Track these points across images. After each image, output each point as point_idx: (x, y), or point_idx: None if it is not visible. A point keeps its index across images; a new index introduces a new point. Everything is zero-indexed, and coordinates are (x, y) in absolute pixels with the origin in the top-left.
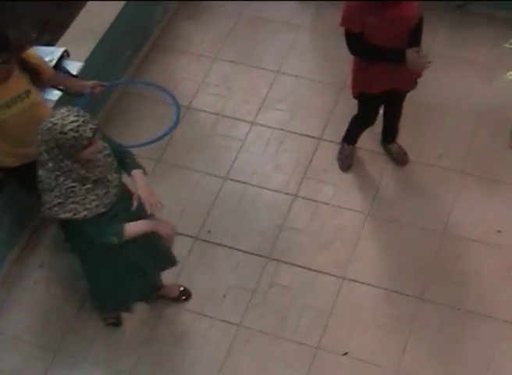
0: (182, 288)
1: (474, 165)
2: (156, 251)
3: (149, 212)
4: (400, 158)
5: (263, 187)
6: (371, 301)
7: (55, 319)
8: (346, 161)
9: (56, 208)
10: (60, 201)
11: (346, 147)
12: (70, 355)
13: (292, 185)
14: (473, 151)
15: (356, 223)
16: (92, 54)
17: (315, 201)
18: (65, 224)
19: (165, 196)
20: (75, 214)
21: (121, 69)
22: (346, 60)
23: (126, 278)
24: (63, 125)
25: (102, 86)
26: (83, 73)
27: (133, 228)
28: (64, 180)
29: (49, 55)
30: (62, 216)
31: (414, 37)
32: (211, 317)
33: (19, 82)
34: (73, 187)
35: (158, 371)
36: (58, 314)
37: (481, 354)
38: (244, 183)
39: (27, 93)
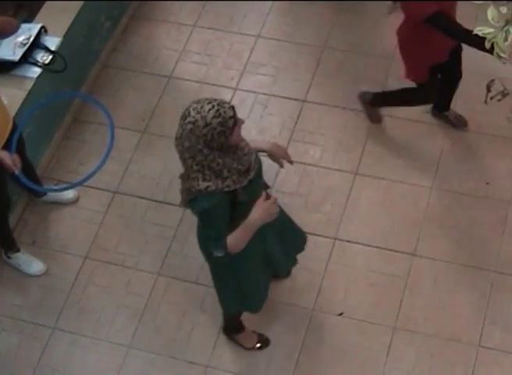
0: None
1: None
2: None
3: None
4: (460, 122)
5: None
6: (365, 261)
7: (50, 296)
8: None
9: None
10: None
11: None
12: (68, 332)
13: None
14: (458, 105)
15: (345, 183)
16: (70, 28)
17: (303, 163)
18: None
19: (152, 167)
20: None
21: (101, 42)
22: (325, 20)
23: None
24: (203, 117)
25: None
26: (63, 49)
27: (234, 239)
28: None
29: (26, 31)
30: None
31: None
32: (206, 285)
33: None
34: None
35: (157, 339)
36: (53, 291)
37: (476, 306)
38: None
39: None
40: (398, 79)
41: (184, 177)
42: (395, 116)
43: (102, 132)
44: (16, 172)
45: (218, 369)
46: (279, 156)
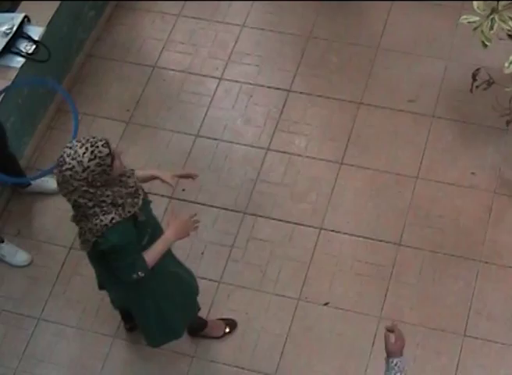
0: (227, 329)
1: (445, 108)
2: None
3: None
4: None
5: (235, 143)
6: (350, 250)
7: (35, 287)
8: None
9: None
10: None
11: None
12: (54, 322)
13: (264, 138)
14: (443, 95)
15: (330, 173)
16: (53, 18)
17: (288, 153)
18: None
19: (137, 158)
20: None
21: (85, 31)
22: (310, 10)
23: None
24: (80, 162)
25: None
26: (46, 39)
27: (154, 254)
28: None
29: (9, 21)
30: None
31: None
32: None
33: None
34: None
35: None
36: (39, 281)
37: (462, 295)
38: (216, 139)
39: None
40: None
41: (79, 218)
42: (380, 106)
43: (87, 122)
44: None
45: (204, 360)
46: (166, 178)
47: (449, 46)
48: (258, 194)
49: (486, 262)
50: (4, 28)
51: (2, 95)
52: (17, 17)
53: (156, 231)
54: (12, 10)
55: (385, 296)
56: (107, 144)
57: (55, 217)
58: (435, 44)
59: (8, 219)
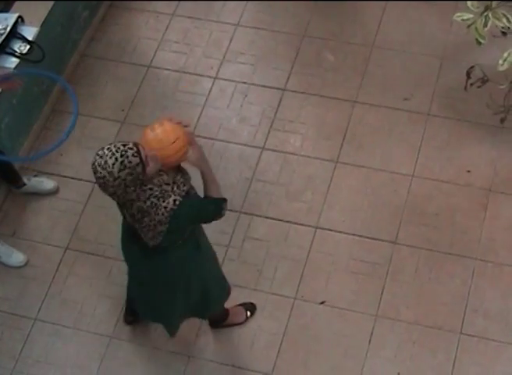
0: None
1: (441, 106)
2: None
3: None
4: None
5: (230, 142)
6: (346, 249)
7: (31, 287)
8: None
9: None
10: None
11: None
12: (50, 322)
13: (259, 138)
14: (438, 93)
15: (326, 172)
16: (47, 18)
17: (283, 152)
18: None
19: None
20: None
21: (79, 31)
22: (304, 9)
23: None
24: (110, 173)
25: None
26: (40, 39)
27: (216, 186)
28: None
29: (3, 21)
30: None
31: None
32: None
33: None
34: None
35: (140, 330)
36: (35, 282)
37: (458, 293)
38: (211, 138)
39: None
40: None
41: (140, 216)
42: (375, 105)
43: (82, 122)
44: None
45: (201, 359)
46: None
47: (443, 44)
48: (254, 193)
49: (482, 260)
50: None
51: None
52: (11, 17)
53: None
54: (5, 10)
55: (382, 294)
56: (137, 154)
57: (51, 218)
58: (430, 43)
59: (3, 219)
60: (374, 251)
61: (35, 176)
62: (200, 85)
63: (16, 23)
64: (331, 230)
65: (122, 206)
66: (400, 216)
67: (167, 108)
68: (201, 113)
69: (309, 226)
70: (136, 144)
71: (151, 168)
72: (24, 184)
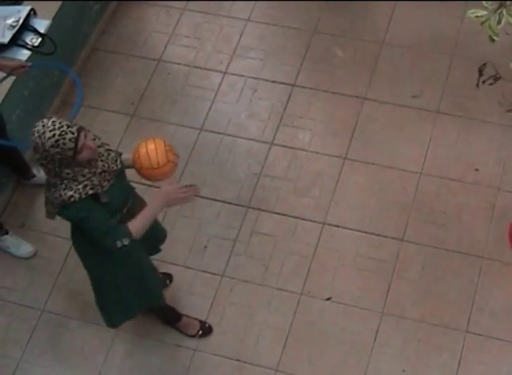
0: (200, 331)
1: (450, 104)
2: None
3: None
4: None
5: (239, 137)
6: (353, 245)
7: (39, 278)
8: None
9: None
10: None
11: None
12: (57, 313)
13: (268, 133)
14: (448, 91)
15: (334, 168)
16: (59, 11)
17: (292, 147)
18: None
19: None
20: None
21: (90, 25)
22: (315, 5)
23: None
24: (43, 143)
25: (24, 67)
26: (52, 32)
27: (140, 220)
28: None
29: (15, 14)
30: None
31: None
32: (193, 269)
33: None
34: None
35: (145, 323)
36: (43, 273)
37: (464, 292)
38: (220, 133)
39: None
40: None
41: (46, 186)
42: (384, 102)
43: (91, 115)
44: None
45: (206, 353)
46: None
47: (453, 42)
48: (262, 189)
49: (489, 259)
50: (10, 21)
51: (9, 87)
52: (23, 10)
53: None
54: (18, 3)
55: (388, 291)
56: (75, 140)
57: None
58: (440, 40)
59: (12, 211)
60: (381, 248)
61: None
62: (209, 80)
63: (28, 16)
64: (338, 227)
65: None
66: (408, 213)
67: (176, 102)
68: (210, 108)
69: (316, 222)
70: (79, 130)
71: (83, 156)
72: (34, 176)
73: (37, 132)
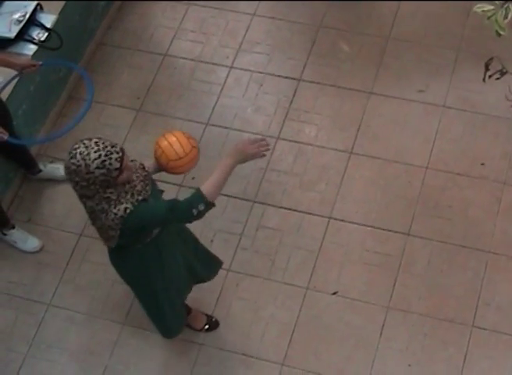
0: (207, 326)
1: (456, 98)
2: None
3: None
4: None
5: (245, 131)
6: (359, 240)
7: (45, 273)
8: None
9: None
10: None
11: None
12: (63, 308)
13: (274, 127)
14: (454, 85)
15: (340, 163)
16: (66, 6)
17: (298, 142)
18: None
19: (148, 146)
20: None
21: (96, 19)
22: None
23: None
24: (87, 165)
25: (34, 66)
26: (58, 26)
27: (213, 180)
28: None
29: (22, 8)
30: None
31: None
32: None
33: None
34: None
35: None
36: (49, 267)
37: (470, 286)
38: (226, 127)
39: None
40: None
41: (93, 218)
42: (390, 96)
43: (97, 110)
44: (6, 138)
45: (212, 347)
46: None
47: (459, 36)
48: (268, 183)
49: (495, 253)
50: (17, 16)
51: (15, 82)
52: (30, 5)
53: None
54: None
55: (394, 286)
56: (120, 160)
57: (66, 204)
58: (446, 34)
59: (19, 205)
60: (387, 242)
61: (51, 162)
62: (215, 74)
63: (34, 11)
64: (344, 221)
65: (79, 198)
66: (414, 207)
67: (183, 96)
68: (216, 102)
69: (322, 216)
70: (122, 150)
71: (124, 177)
72: (40, 171)
73: (80, 154)
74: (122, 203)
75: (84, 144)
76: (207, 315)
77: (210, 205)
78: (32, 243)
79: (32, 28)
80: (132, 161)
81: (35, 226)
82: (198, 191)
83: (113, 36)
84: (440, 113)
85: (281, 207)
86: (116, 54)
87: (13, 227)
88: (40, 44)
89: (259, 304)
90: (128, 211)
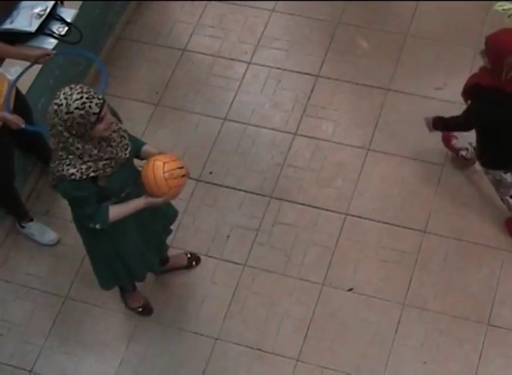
0: (189, 255)
1: None
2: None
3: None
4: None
5: (262, 127)
6: (375, 236)
7: (62, 266)
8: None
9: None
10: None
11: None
12: (80, 301)
13: (291, 123)
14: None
15: (357, 159)
16: (86, 1)
17: (315, 138)
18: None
19: (165, 140)
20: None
21: (116, 15)
22: None
23: (129, 252)
24: (68, 105)
25: (49, 55)
26: (78, 21)
27: (120, 211)
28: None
29: (43, 3)
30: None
31: None
32: (216, 258)
33: None
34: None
35: (166, 311)
36: (66, 260)
37: (486, 285)
38: (243, 123)
39: None
40: None
41: (52, 158)
42: (407, 93)
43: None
44: (23, 125)
45: (227, 342)
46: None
47: (478, 34)
48: (285, 179)
49: (511, 251)
50: (37, 10)
51: (35, 75)
52: None
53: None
54: None
55: (410, 283)
56: (101, 105)
57: None
58: (464, 32)
59: (37, 198)
60: (403, 239)
61: None
62: (233, 70)
63: (55, 5)
64: (360, 218)
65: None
66: (430, 205)
67: (200, 91)
68: (234, 98)
69: (339, 212)
70: (104, 100)
71: (100, 128)
72: None
73: (64, 93)
74: (74, 167)
75: (70, 86)
76: (145, 300)
77: (105, 227)
78: (49, 236)
79: (52, 22)
80: (116, 131)
81: (53, 219)
82: (106, 213)
83: (132, 31)
84: (458, 111)
85: (297, 203)
86: (135, 48)
87: (31, 220)
88: (60, 38)
89: (274, 299)
90: (72, 177)
